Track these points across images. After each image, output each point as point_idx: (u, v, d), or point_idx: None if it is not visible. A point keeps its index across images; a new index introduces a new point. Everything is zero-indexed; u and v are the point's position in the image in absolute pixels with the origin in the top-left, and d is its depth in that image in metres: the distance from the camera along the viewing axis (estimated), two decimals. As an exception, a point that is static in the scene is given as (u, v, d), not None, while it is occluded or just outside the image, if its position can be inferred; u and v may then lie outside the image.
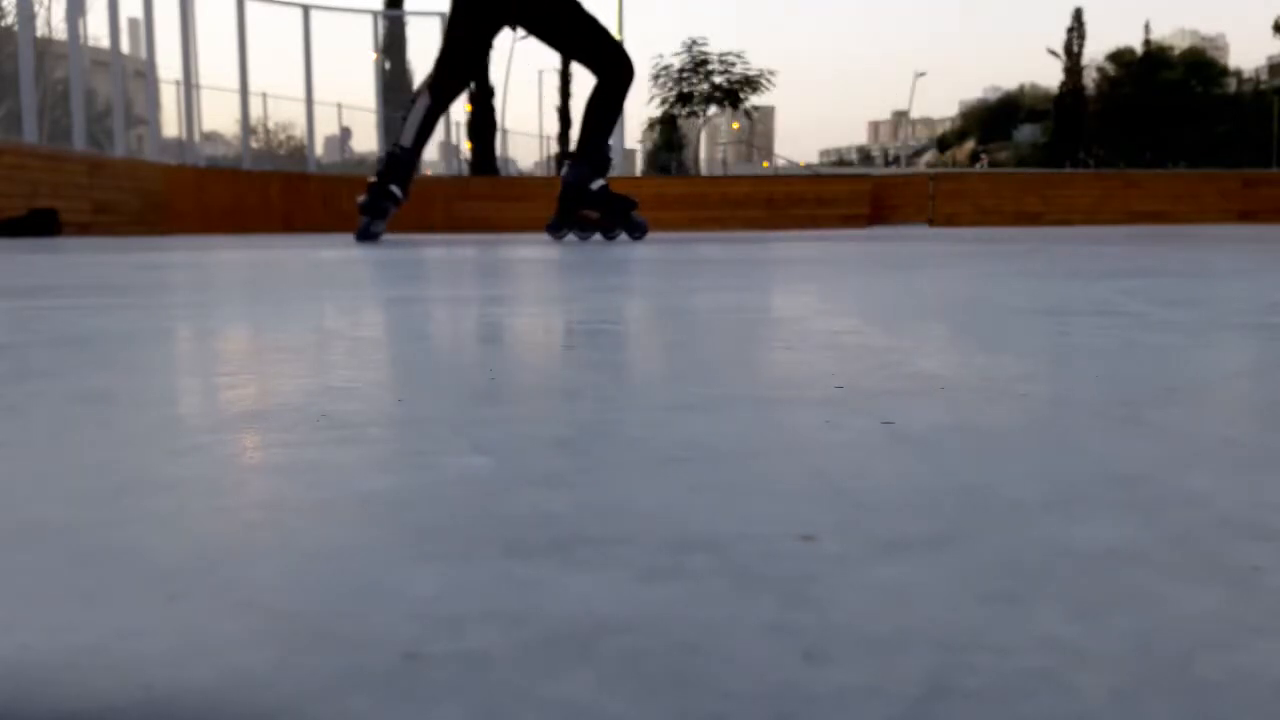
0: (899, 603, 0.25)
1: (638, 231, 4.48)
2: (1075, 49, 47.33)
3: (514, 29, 4.40)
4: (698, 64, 24.86)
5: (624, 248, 3.59)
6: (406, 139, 4.46)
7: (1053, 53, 47.79)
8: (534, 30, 4.39)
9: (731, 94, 25.19)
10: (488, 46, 4.54)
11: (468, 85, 4.61)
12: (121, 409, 0.54)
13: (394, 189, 4.49)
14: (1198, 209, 10.22)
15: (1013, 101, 63.02)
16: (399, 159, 4.48)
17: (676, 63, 24.90)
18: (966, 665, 0.21)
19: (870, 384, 0.59)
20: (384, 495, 0.36)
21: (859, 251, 3.11)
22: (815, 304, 1.22)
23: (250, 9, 10.78)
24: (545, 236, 4.79)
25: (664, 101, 25.38)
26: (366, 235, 4.55)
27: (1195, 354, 0.73)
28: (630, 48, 4.54)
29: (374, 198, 4.49)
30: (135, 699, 0.20)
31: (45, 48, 9.91)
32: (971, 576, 0.27)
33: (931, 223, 10.23)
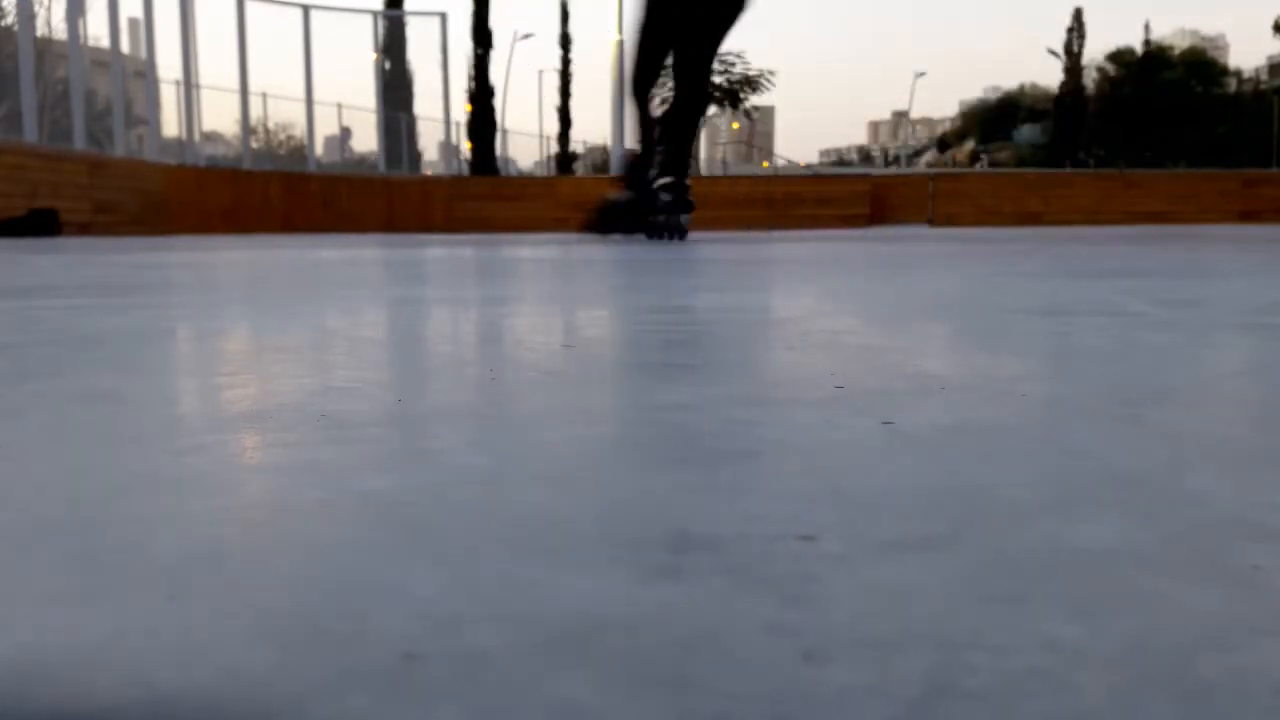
0: (899, 603, 0.25)
1: (663, 233, 4.60)
2: (1075, 49, 47.35)
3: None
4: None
5: (623, 248, 3.59)
6: (634, 143, 4.71)
7: (1053, 53, 47.81)
8: (713, 24, 4.49)
9: (731, 94, 25.19)
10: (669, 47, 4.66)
11: (659, 75, 4.74)
12: (122, 409, 0.54)
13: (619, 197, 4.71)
14: (1198, 209, 10.22)
15: (1013, 101, 63.03)
16: (634, 161, 4.72)
17: (676, 62, 24.86)
18: (966, 665, 0.21)
19: (870, 384, 0.59)
20: (384, 495, 0.36)
21: (859, 251, 3.11)
22: (815, 304, 1.22)
23: (250, 9, 10.78)
24: (544, 237, 4.88)
25: (664, 101, 25.36)
26: (603, 228, 4.73)
27: (1195, 354, 0.73)
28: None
29: (606, 203, 4.71)
30: (135, 699, 0.20)
31: (45, 48, 9.90)
32: (971, 576, 0.27)
33: (931, 223, 10.23)
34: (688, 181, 4.63)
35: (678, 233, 4.61)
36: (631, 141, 4.72)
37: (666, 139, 4.66)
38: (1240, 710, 0.19)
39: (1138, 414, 0.50)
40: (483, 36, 21.97)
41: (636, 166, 4.72)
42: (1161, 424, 0.47)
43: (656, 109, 4.68)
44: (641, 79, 4.63)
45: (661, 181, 4.59)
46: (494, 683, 0.21)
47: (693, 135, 4.78)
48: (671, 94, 4.62)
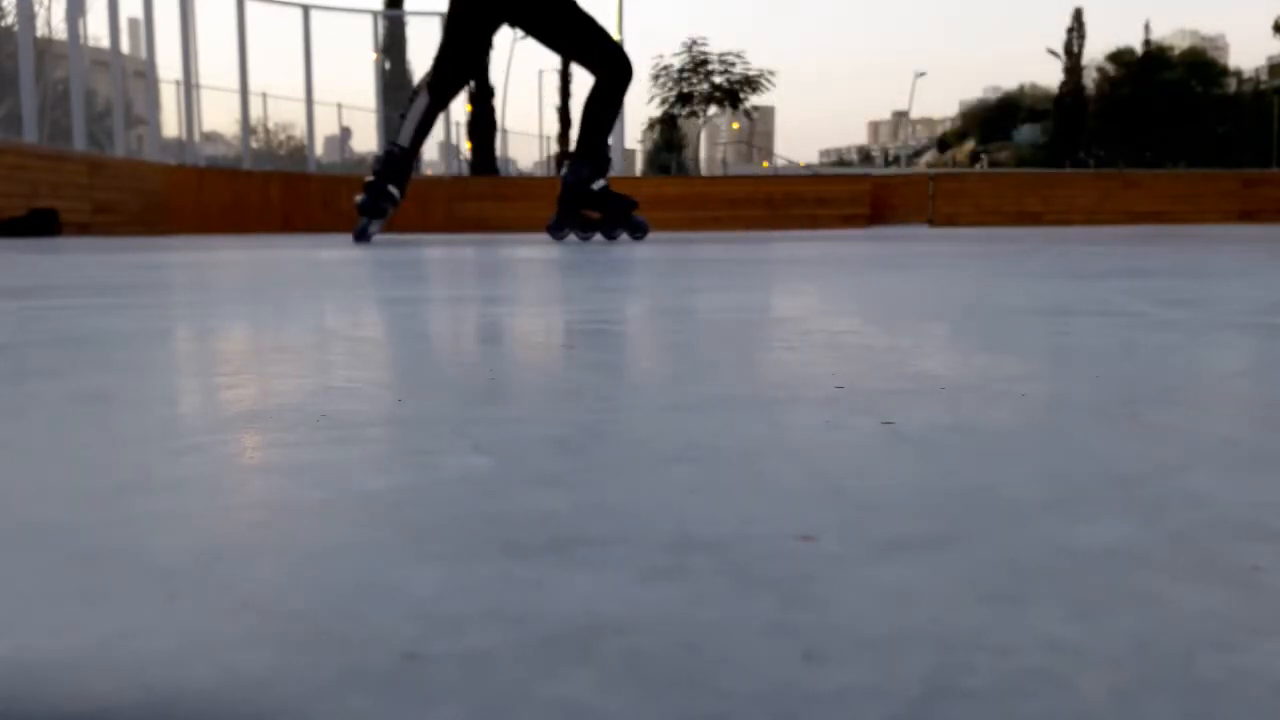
0: (899, 603, 0.25)
1: (639, 231, 4.49)
2: (1075, 49, 47.40)
3: (513, 27, 4.42)
4: (698, 64, 24.89)
5: (623, 248, 3.59)
6: (404, 138, 4.48)
7: (1053, 53, 47.84)
8: (531, 30, 4.41)
9: (731, 94, 25.21)
10: (487, 45, 4.56)
11: (466, 84, 4.63)
12: (121, 409, 0.54)
13: (391, 189, 4.49)
14: (1198, 209, 10.22)
15: (1013, 101, 63.07)
16: (396, 158, 4.49)
17: (676, 63, 24.92)
18: (966, 665, 0.21)
19: (870, 384, 0.59)
20: (384, 495, 0.36)
21: (859, 252, 3.11)
22: (815, 304, 1.22)
23: (250, 9, 10.78)
24: (545, 237, 4.80)
25: (664, 101, 25.40)
26: (363, 236, 4.56)
27: (1195, 354, 0.73)
28: (630, 47, 4.56)
29: (372, 198, 4.51)
30: (135, 699, 0.20)
31: (45, 48, 9.90)
32: (971, 576, 0.27)
33: (931, 223, 10.23)
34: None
35: (640, 230, 4.45)
36: (406, 138, 4.44)
37: (586, 136, 4.40)
38: (1240, 710, 0.19)
39: (1138, 414, 0.50)
40: (483, 36, 21.91)
41: (401, 159, 4.49)
42: (1161, 424, 0.47)
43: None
44: (453, 73, 4.40)
45: (599, 185, 4.37)
46: (494, 683, 0.21)
47: (609, 129, 4.50)
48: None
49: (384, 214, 4.57)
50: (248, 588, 0.26)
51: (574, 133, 4.57)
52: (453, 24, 4.43)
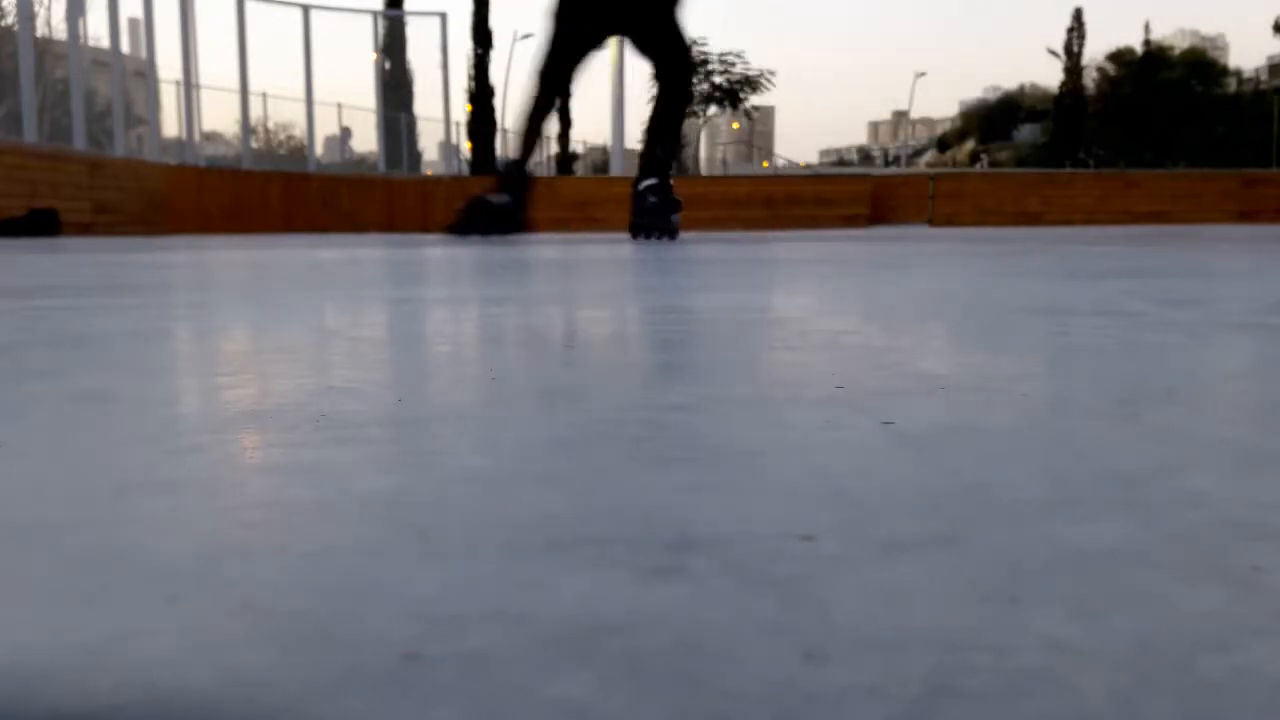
0: (899, 603, 0.25)
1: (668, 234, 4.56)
2: (1075, 49, 47.40)
3: (618, 39, 4.56)
4: (697, 64, 24.93)
5: (621, 248, 3.59)
6: (514, 151, 4.62)
7: (1053, 53, 47.84)
8: (636, 40, 4.53)
9: (731, 94, 25.24)
10: (586, 57, 4.61)
11: (562, 93, 4.70)
12: (121, 409, 0.54)
13: (494, 199, 4.56)
14: (1198, 209, 10.23)
15: (1013, 101, 63.10)
16: (508, 171, 4.60)
17: (676, 62, 24.93)
18: (966, 665, 0.21)
19: (870, 384, 0.59)
20: (384, 495, 0.36)
21: (859, 251, 3.11)
22: (815, 304, 1.22)
23: (250, 9, 10.78)
24: (543, 237, 4.85)
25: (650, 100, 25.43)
26: (460, 230, 4.59)
27: (1195, 354, 0.73)
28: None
29: (472, 207, 4.57)
30: (135, 699, 0.20)
31: (45, 48, 9.91)
32: (971, 576, 0.27)
33: (931, 223, 10.24)
34: (671, 182, 4.62)
35: (668, 233, 4.59)
36: (515, 151, 4.62)
37: (649, 141, 4.64)
38: (1240, 710, 0.19)
39: (1137, 414, 0.50)
40: (483, 36, 22.03)
41: (512, 170, 4.62)
42: (1161, 424, 0.47)
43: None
44: (543, 103, 4.58)
45: (645, 184, 4.58)
46: (494, 683, 0.21)
47: (675, 136, 4.77)
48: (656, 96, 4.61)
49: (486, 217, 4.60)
50: (248, 588, 0.26)
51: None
52: (558, 36, 4.46)
